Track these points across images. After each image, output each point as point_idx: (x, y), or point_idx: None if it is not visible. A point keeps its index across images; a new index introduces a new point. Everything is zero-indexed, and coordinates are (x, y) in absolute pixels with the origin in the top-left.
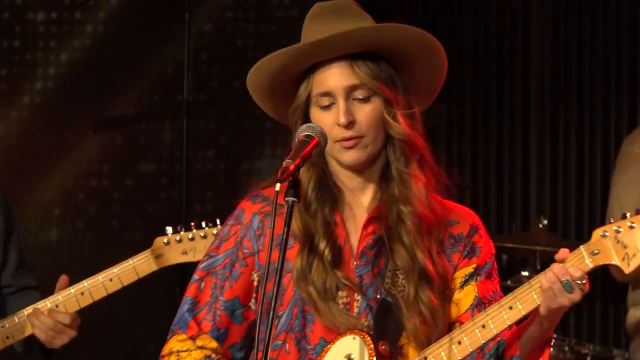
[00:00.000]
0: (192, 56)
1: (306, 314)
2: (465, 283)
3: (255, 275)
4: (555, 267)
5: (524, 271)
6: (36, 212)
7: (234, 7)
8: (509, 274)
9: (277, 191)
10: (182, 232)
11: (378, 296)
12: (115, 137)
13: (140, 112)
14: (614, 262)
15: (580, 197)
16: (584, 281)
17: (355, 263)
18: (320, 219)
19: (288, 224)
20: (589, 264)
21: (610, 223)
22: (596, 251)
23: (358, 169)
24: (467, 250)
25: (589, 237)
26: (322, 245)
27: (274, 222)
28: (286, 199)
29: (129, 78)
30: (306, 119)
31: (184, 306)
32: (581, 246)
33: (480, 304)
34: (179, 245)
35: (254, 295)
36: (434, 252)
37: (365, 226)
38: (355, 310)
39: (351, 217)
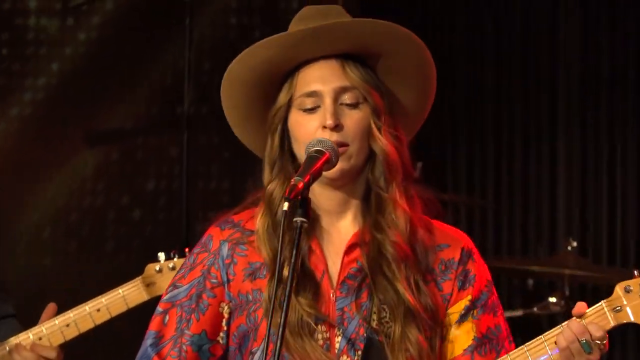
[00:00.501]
0: (193, 64)
1: (283, 351)
2: (462, 319)
3: (226, 306)
4: (573, 324)
5: (552, 297)
6: (25, 232)
7: (238, 12)
8: (535, 300)
9: (285, 211)
10: (175, 259)
11: (361, 332)
12: (110, 152)
13: (138, 125)
14: None
15: (613, 217)
16: (605, 341)
17: (335, 295)
18: (287, 240)
19: (297, 246)
20: (611, 321)
21: (636, 277)
22: (619, 307)
23: (338, 186)
24: (460, 279)
25: (622, 260)
26: (291, 291)
27: (280, 244)
28: (295, 219)
29: (125, 88)
30: (286, 129)
31: (147, 341)
32: (602, 301)
33: (481, 345)
34: (172, 273)
35: (224, 328)
36: (422, 284)
37: (347, 253)
38: (336, 347)
39: (330, 244)
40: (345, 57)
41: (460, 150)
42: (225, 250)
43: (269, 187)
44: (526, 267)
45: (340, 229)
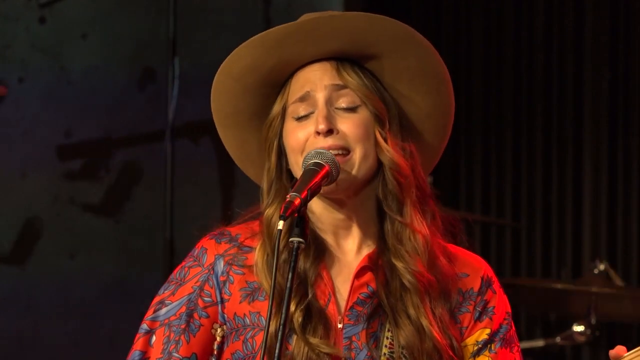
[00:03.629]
0: None
1: None
2: (478, 353)
3: (219, 328)
4: None
5: (577, 326)
6: None
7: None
8: (558, 329)
9: (280, 230)
10: None
11: None
12: None
13: None
14: None
15: None
16: None
17: (342, 322)
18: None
19: (293, 269)
20: None
21: None
22: None
23: (339, 201)
24: (479, 310)
25: None
26: (292, 308)
27: (275, 270)
28: (291, 239)
29: None
30: (282, 138)
31: None
32: None
33: None
34: None
35: (214, 352)
36: (446, 319)
37: (357, 277)
38: None
39: (337, 267)
40: (341, 59)
41: (475, 163)
42: (220, 266)
43: (266, 212)
44: (548, 292)
45: (348, 250)
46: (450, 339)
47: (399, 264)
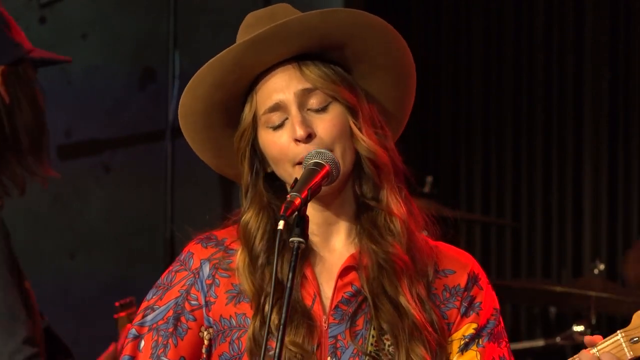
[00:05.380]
0: None
1: None
2: (465, 347)
3: (206, 332)
4: (585, 355)
5: (577, 326)
6: None
7: None
8: (558, 329)
9: (280, 230)
10: None
11: None
12: None
13: None
14: None
15: None
16: None
17: (327, 321)
18: (268, 276)
19: (293, 270)
20: (628, 353)
21: None
22: (637, 338)
23: (325, 200)
24: (465, 305)
25: None
26: (270, 311)
27: (275, 266)
28: (291, 239)
29: None
30: (256, 147)
31: None
32: (619, 331)
33: None
34: None
35: (204, 356)
36: (424, 298)
37: (341, 276)
38: None
39: (322, 267)
40: (303, 57)
41: (475, 162)
42: (206, 270)
43: (243, 218)
44: (548, 292)
45: (333, 249)
46: (430, 315)
47: (374, 247)
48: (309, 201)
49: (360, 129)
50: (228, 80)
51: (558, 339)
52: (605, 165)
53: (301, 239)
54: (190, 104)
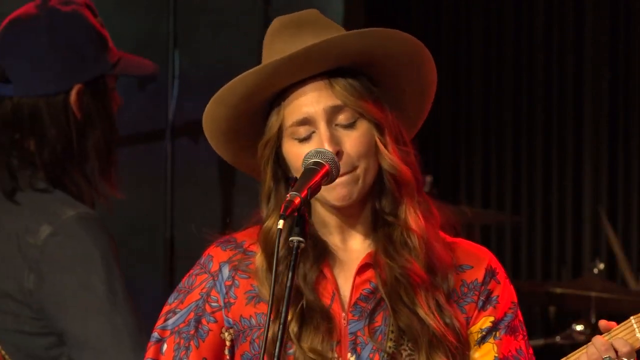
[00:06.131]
0: None
1: None
2: (482, 340)
3: (226, 333)
4: (597, 340)
5: (577, 325)
6: None
7: None
8: (558, 328)
9: (280, 229)
10: None
11: (376, 358)
12: None
13: None
14: None
15: None
16: (632, 358)
17: (347, 318)
18: (285, 281)
19: (292, 269)
20: None
21: None
22: None
23: (344, 211)
24: (482, 299)
25: None
26: (287, 315)
27: (275, 268)
28: (291, 238)
29: None
30: (279, 154)
31: None
32: (632, 317)
33: None
34: None
35: (227, 357)
36: (443, 303)
37: (359, 273)
38: None
39: (340, 265)
40: (333, 73)
41: (475, 162)
42: (225, 272)
43: (266, 224)
44: (548, 291)
45: (351, 248)
46: (451, 321)
47: (390, 262)
48: (308, 200)
49: (385, 146)
50: (257, 92)
51: (558, 339)
52: (605, 165)
53: (301, 239)
54: (217, 109)
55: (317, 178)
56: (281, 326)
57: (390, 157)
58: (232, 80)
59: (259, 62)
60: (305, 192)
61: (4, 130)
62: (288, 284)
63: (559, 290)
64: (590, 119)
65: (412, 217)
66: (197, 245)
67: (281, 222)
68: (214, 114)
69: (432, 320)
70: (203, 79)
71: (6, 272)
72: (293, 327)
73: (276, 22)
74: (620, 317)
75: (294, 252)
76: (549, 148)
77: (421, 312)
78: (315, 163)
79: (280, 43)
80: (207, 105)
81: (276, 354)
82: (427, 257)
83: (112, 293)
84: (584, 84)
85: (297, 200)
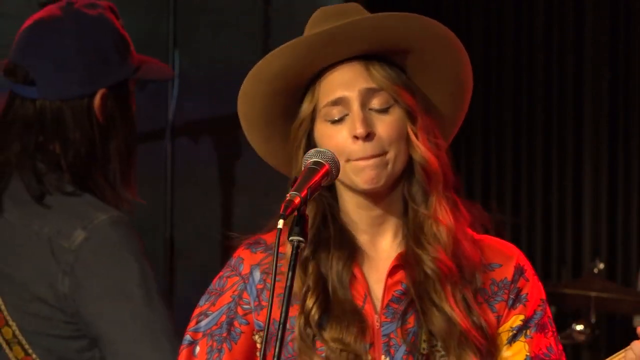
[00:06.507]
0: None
1: None
2: (513, 339)
3: (257, 335)
4: (637, 345)
5: (577, 325)
6: None
7: None
8: (558, 328)
9: (280, 229)
10: None
11: None
12: None
13: None
14: None
15: None
16: None
17: (380, 320)
18: (311, 269)
19: (292, 268)
20: None
21: None
22: None
23: (375, 198)
24: (512, 297)
25: None
26: (309, 305)
27: (275, 268)
28: (290, 238)
29: None
30: (311, 139)
31: None
32: None
33: None
34: None
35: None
36: (470, 301)
37: (390, 275)
38: None
39: (371, 266)
40: (369, 57)
41: (475, 163)
42: (257, 275)
43: None
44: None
45: (381, 249)
46: (478, 320)
47: (420, 252)
48: (308, 199)
49: (416, 135)
50: (293, 69)
51: None
52: (605, 165)
53: (301, 238)
54: (253, 85)
55: (317, 178)
56: (281, 326)
57: (420, 147)
58: (269, 54)
59: None
60: (305, 191)
61: (27, 132)
62: (288, 284)
63: (559, 291)
64: (590, 119)
65: (440, 210)
66: (197, 245)
67: (281, 221)
68: (249, 90)
69: (458, 316)
70: (203, 79)
71: (38, 276)
72: (314, 315)
73: (319, 12)
74: (620, 317)
75: (293, 252)
76: (549, 148)
77: (448, 309)
78: (315, 163)
79: (319, 27)
80: (243, 83)
81: (276, 354)
82: (454, 252)
83: (149, 297)
84: (584, 84)
85: (297, 200)
